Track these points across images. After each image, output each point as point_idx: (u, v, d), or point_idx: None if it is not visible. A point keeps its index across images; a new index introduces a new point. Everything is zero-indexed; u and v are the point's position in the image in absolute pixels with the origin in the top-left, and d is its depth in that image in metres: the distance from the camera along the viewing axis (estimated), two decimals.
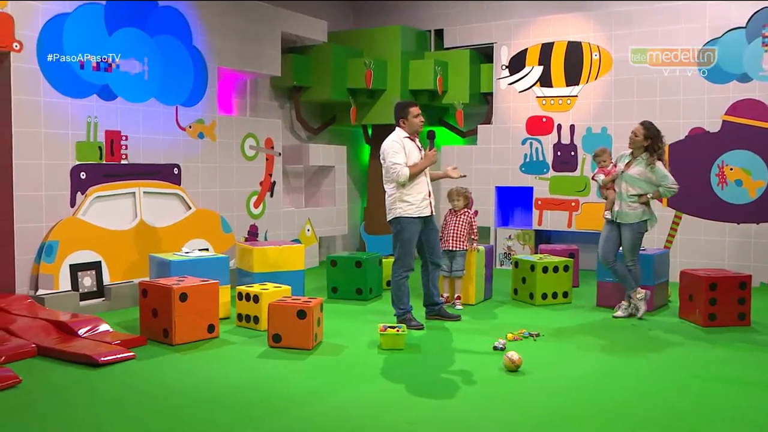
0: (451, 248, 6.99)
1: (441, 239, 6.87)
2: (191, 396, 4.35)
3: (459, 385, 4.58)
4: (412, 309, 6.25)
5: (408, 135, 6.20)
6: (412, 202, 6.10)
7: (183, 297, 5.52)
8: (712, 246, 8.52)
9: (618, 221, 6.56)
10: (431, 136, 6.41)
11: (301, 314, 5.39)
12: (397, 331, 5.47)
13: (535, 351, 5.39)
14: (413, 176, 6.08)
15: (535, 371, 4.86)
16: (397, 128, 6.24)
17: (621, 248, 6.64)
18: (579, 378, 4.79)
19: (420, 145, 6.30)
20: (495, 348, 5.39)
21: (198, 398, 4.31)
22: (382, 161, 6.20)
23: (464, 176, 6.66)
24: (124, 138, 7.29)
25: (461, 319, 6.51)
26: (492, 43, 9.90)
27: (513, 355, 4.88)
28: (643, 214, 6.50)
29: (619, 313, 6.67)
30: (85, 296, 6.73)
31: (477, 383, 4.63)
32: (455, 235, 7.01)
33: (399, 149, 6.08)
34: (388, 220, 6.22)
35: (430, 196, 6.22)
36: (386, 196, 6.21)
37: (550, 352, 5.42)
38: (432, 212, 6.25)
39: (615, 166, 6.73)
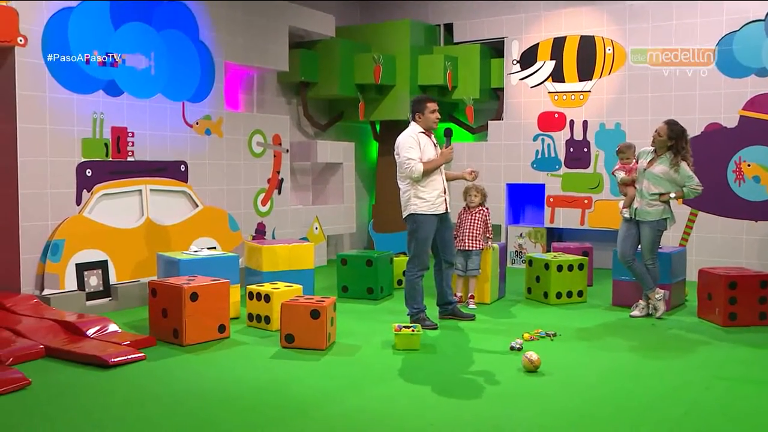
0: (467, 248, 6.86)
1: (456, 238, 6.74)
2: (206, 397, 4.24)
3: (479, 386, 4.46)
4: (426, 309, 6.13)
5: (423, 130, 6.07)
6: (427, 199, 5.97)
7: (194, 296, 5.40)
8: (729, 244, 8.36)
9: (637, 219, 6.42)
10: (449, 134, 6.27)
11: (315, 314, 5.27)
12: (412, 331, 5.36)
13: (553, 351, 5.27)
14: (427, 172, 5.94)
15: (555, 372, 4.75)
16: (412, 123, 6.11)
17: (639, 247, 6.50)
18: (600, 378, 4.68)
19: (436, 142, 6.15)
20: (512, 348, 5.28)
21: (213, 400, 4.19)
22: (396, 156, 6.07)
23: (476, 175, 6.39)
24: (130, 134, 7.16)
25: (475, 318, 6.39)
26: (503, 38, 9.77)
27: (532, 355, 4.78)
28: (663, 212, 6.35)
29: (635, 312, 6.54)
30: (91, 296, 6.61)
31: (497, 384, 4.51)
32: (471, 234, 6.88)
33: (413, 144, 5.94)
34: (403, 217, 6.09)
35: (445, 193, 6.08)
36: (401, 192, 6.08)
37: (568, 352, 5.31)
38: (447, 209, 6.11)
39: (637, 162, 6.57)
